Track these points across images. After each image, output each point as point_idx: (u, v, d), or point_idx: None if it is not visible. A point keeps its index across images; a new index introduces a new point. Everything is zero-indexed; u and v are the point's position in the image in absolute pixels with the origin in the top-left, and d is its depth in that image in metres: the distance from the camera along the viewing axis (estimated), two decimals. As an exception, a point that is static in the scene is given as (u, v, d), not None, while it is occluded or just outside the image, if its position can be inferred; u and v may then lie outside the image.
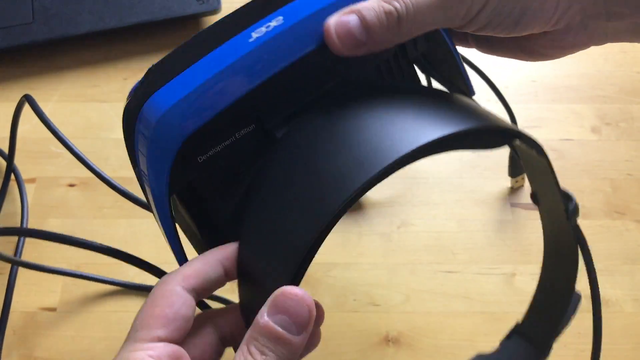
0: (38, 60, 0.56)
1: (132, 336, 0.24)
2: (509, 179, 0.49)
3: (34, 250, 0.46)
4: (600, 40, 0.30)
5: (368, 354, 0.42)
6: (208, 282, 0.26)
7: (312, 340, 0.29)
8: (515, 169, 0.48)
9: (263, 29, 0.26)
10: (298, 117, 0.27)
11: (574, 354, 0.42)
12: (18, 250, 0.45)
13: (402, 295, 0.45)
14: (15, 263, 0.44)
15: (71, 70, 0.55)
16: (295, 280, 0.24)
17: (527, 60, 0.33)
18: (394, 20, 0.25)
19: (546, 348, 0.34)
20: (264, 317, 0.23)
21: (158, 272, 0.34)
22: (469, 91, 0.32)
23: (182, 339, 0.25)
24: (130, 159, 0.28)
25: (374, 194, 0.49)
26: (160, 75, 0.26)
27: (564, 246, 0.34)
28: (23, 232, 0.44)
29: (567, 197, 0.30)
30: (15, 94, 0.54)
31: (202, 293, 0.26)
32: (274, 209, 0.25)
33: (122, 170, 0.50)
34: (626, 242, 0.47)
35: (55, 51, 0.56)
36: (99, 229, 0.47)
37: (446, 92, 0.31)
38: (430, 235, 0.47)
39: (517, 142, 0.27)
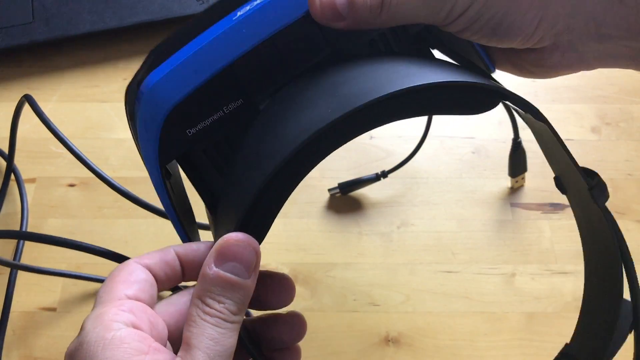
0: (38, 60, 0.56)
1: (99, 301, 0.24)
2: (509, 179, 0.49)
3: (34, 250, 0.46)
4: (590, 64, 0.30)
5: (368, 354, 0.42)
6: (163, 264, 0.26)
7: (287, 294, 0.29)
8: (515, 169, 0.48)
9: (247, 7, 0.27)
10: (281, 89, 0.28)
11: (574, 354, 0.42)
12: (18, 250, 0.45)
13: (402, 295, 0.45)
14: (14, 267, 0.44)
15: (71, 70, 0.55)
16: (246, 230, 0.24)
17: (517, 75, 0.32)
18: (377, 4, 0.26)
19: None
20: (212, 268, 0.23)
21: None
22: (487, 68, 0.31)
23: (149, 304, 0.25)
24: (134, 139, 0.29)
25: (374, 194, 0.49)
26: (158, 56, 0.27)
27: (600, 239, 0.30)
28: (22, 236, 0.44)
29: (589, 173, 0.28)
30: (15, 94, 0.54)
31: (160, 277, 0.26)
32: (239, 171, 0.26)
33: (122, 170, 0.50)
34: (626, 242, 0.47)
35: (55, 51, 0.56)
36: (99, 229, 0.47)
37: (441, 60, 0.30)
38: (430, 235, 0.47)
39: (510, 104, 0.26)
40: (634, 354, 0.29)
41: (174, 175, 0.30)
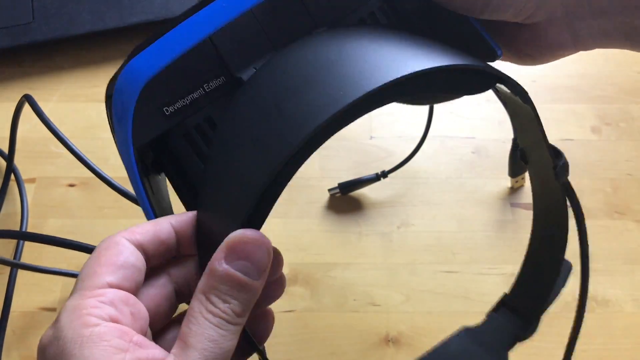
0: (38, 60, 0.56)
1: (79, 287, 0.22)
2: (509, 179, 0.49)
3: (34, 250, 0.46)
4: (587, 43, 0.29)
5: (368, 354, 0.42)
6: (156, 242, 0.24)
7: (278, 290, 0.28)
8: (515, 169, 0.48)
9: None
10: (269, 60, 0.25)
11: (575, 354, 0.42)
12: (18, 250, 0.45)
13: (402, 296, 0.45)
14: (14, 266, 0.44)
15: (71, 70, 0.55)
16: (252, 223, 0.22)
17: (516, 62, 0.32)
18: None
19: (534, 320, 0.33)
20: (222, 264, 0.22)
21: None
22: (492, 52, 0.29)
23: (133, 291, 0.23)
24: (112, 132, 0.27)
25: (374, 194, 0.49)
26: (138, 48, 0.26)
27: (553, 208, 0.32)
28: (22, 236, 0.44)
29: (556, 154, 0.29)
30: (15, 94, 0.54)
31: (152, 254, 0.25)
32: (230, 153, 0.24)
33: (122, 170, 0.49)
34: (626, 242, 0.47)
35: (55, 51, 0.56)
36: (99, 229, 0.47)
37: (433, 40, 0.28)
38: (430, 235, 0.47)
39: (501, 87, 0.26)
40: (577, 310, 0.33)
41: (159, 189, 0.28)
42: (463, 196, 0.49)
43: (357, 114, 0.22)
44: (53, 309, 0.44)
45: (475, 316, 0.44)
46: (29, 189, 0.49)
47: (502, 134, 0.52)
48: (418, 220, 0.48)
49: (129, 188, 0.44)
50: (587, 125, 0.53)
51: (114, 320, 0.22)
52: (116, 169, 0.50)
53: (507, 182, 0.49)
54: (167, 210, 0.29)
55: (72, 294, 0.22)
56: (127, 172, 0.26)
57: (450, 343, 0.35)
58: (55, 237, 0.32)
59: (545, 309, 0.33)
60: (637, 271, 0.46)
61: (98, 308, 0.21)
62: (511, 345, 0.33)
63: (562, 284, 0.32)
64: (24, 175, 0.49)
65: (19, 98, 0.46)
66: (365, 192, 0.49)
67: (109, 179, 0.43)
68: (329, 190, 0.48)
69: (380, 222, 0.48)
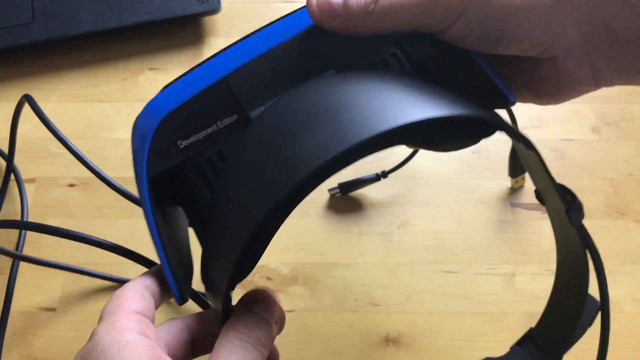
0: (38, 60, 0.56)
1: (107, 315, 0.25)
2: (509, 179, 0.49)
3: (34, 249, 0.46)
4: (607, 77, 0.29)
5: (368, 354, 0.42)
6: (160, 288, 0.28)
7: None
8: (515, 169, 0.48)
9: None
10: (277, 100, 0.27)
11: (574, 354, 0.42)
12: (18, 248, 0.45)
13: (402, 296, 0.45)
14: (17, 257, 0.44)
15: (71, 70, 0.55)
16: (241, 272, 0.25)
17: (535, 102, 0.31)
18: (371, 1, 0.26)
19: (556, 358, 0.33)
20: (240, 307, 0.27)
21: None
22: (504, 99, 0.29)
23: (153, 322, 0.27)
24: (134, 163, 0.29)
25: (374, 194, 0.49)
26: (167, 85, 0.28)
27: (572, 248, 0.32)
28: (23, 225, 0.44)
29: (568, 194, 0.29)
30: (15, 94, 0.54)
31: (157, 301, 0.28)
32: (231, 191, 0.25)
33: (122, 170, 0.50)
34: (626, 242, 0.47)
35: (55, 51, 0.56)
36: (99, 229, 0.47)
37: (431, 80, 0.29)
38: (430, 236, 0.47)
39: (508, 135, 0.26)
40: (599, 347, 0.33)
41: (176, 222, 0.29)
42: (463, 196, 0.49)
43: (345, 163, 0.23)
44: (53, 309, 0.44)
45: (476, 316, 0.44)
46: (28, 189, 0.49)
47: (502, 134, 0.52)
48: (418, 220, 0.48)
49: (129, 188, 0.44)
50: (588, 125, 0.53)
51: (145, 336, 0.24)
52: (116, 169, 0.50)
53: (507, 182, 0.49)
54: (183, 242, 0.30)
55: (101, 321, 0.25)
56: (140, 201, 0.27)
57: None
58: (56, 227, 0.32)
59: (569, 347, 0.32)
60: (637, 271, 0.46)
61: (131, 323, 0.25)
62: None
63: (589, 323, 0.32)
64: (23, 175, 0.49)
65: (19, 98, 0.46)
66: (365, 192, 0.49)
67: (109, 179, 0.43)
68: (329, 190, 0.48)
69: (380, 222, 0.48)
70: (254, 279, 0.45)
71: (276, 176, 0.23)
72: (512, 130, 0.26)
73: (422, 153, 0.50)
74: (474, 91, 0.29)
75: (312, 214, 0.48)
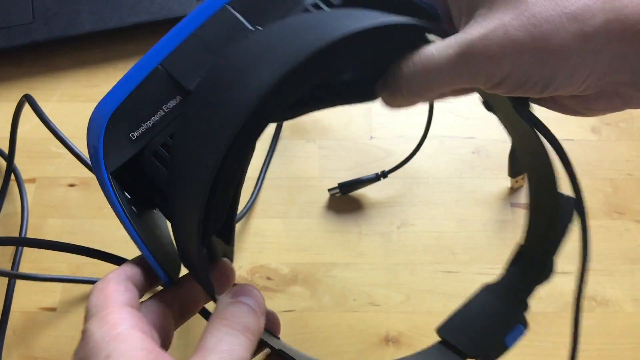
0: (38, 60, 0.56)
1: (95, 311, 0.25)
2: (508, 179, 0.49)
3: (34, 250, 0.46)
4: (636, 105, 0.29)
5: (368, 354, 0.42)
6: (140, 274, 0.28)
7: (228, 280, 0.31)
8: (515, 169, 0.48)
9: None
10: (210, 67, 0.28)
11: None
12: (18, 250, 0.45)
13: (402, 295, 0.45)
14: (12, 276, 0.43)
15: (71, 70, 0.55)
16: (210, 225, 0.26)
17: (562, 113, 0.32)
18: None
19: (549, 263, 0.34)
20: (228, 297, 0.27)
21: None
22: (428, 14, 0.29)
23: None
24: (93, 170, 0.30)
25: (374, 194, 0.49)
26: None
27: (531, 148, 0.33)
28: (20, 242, 0.44)
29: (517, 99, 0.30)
30: (15, 94, 0.54)
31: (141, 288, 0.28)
32: (180, 153, 0.26)
33: (122, 170, 0.50)
34: (626, 242, 0.47)
35: (55, 51, 0.56)
36: (99, 228, 0.47)
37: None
38: (430, 235, 0.47)
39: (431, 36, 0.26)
40: (581, 246, 0.32)
41: (156, 225, 0.30)
42: (463, 196, 0.49)
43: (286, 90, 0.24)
44: (53, 309, 0.44)
45: (475, 316, 0.44)
46: (29, 189, 0.49)
47: (502, 134, 0.51)
48: (418, 220, 0.48)
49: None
50: (587, 125, 0.53)
51: (136, 329, 0.24)
52: (116, 169, 0.50)
53: (507, 182, 0.49)
54: (164, 238, 0.30)
55: (89, 319, 0.25)
56: (108, 201, 0.28)
57: (472, 301, 0.36)
58: (52, 241, 0.32)
59: (558, 249, 0.33)
60: (636, 271, 0.46)
61: (122, 317, 0.25)
62: (530, 292, 0.34)
63: (568, 220, 0.32)
64: (24, 175, 0.49)
65: (19, 98, 0.46)
66: (365, 192, 0.49)
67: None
68: (329, 190, 0.48)
69: (380, 222, 0.48)
70: (254, 279, 0.45)
71: (224, 113, 0.24)
72: (430, 26, 0.27)
73: (422, 153, 0.50)
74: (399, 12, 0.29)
75: (312, 214, 0.48)
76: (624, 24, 0.24)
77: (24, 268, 0.45)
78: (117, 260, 0.33)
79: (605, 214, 0.48)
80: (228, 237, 0.31)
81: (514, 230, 0.47)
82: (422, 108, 0.50)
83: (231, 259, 0.32)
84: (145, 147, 0.28)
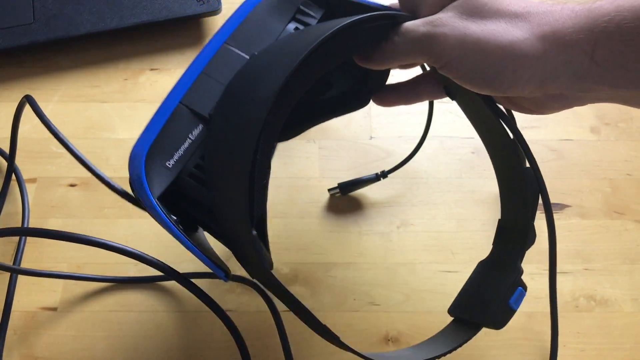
0: (39, 60, 0.56)
1: None
2: (508, 179, 0.49)
3: (34, 249, 0.46)
4: (585, 102, 0.33)
5: (368, 354, 0.42)
6: None
7: None
8: None
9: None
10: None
11: (574, 353, 0.43)
12: (19, 250, 0.45)
13: (402, 295, 0.45)
14: (14, 271, 0.44)
15: (72, 70, 0.56)
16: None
17: (519, 112, 0.35)
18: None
19: (530, 228, 0.38)
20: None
21: (158, 267, 0.35)
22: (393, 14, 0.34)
23: None
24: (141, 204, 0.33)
25: (374, 194, 0.49)
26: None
27: (487, 124, 0.38)
28: (25, 232, 0.44)
29: None
30: (15, 94, 0.54)
31: None
32: (215, 160, 0.32)
33: (122, 170, 0.50)
34: (625, 242, 0.47)
35: (56, 51, 0.56)
36: (100, 228, 0.47)
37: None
38: (430, 235, 0.47)
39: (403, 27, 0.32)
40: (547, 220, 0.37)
41: (200, 243, 0.33)
42: (463, 196, 0.49)
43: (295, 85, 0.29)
44: (54, 309, 0.44)
45: (475, 316, 0.44)
46: (29, 189, 0.49)
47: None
48: (418, 220, 0.48)
49: (129, 188, 0.44)
50: (587, 125, 0.53)
51: None
52: (117, 169, 0.50)
53: (506, 182, 0.49)
54: (215, 255, 0.34)
55: None
56: (160, 223, 0.31)
57: (472, 279, 0.40)
58: (56, 230, 0.32)
59: (534, 215, 0.38)
60: (636, 271, 0.46)
61: None
62: (521, 257, 0.38)
63: (535, 188, 0.37)
64: (24, 175, 0.49)
65: (20, 98, 0.46)
66: (365, 192, 0.49)
67: (107, 179, 0.42)
68: (329, 190, 0.48)
69: (380, 222, 0.48)
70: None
71: (248, 112, 0.29)
72: (386, 14, 0.32)
73: (422, 153, 0.50)
74: None
75: (312, 214, 0.48)
76: (556, 34, 0.28)
77: (25, 266, 0.45)
78: (121, 252, 0.33)
79: (605, 213, 0.48)
80: (265, 243, 0.34)
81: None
82: (422, 108, 0.51)
83: (271, 266, 0.35)
84: (181, 171, 0.32)
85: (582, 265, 0.46)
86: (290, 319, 0.44)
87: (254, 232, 0.29)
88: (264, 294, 0.43)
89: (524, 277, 0.45)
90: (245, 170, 0.28)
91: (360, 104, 0.42)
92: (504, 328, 0.43)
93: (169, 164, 0.32)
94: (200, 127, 0.33)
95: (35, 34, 0.54)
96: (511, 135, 0.37)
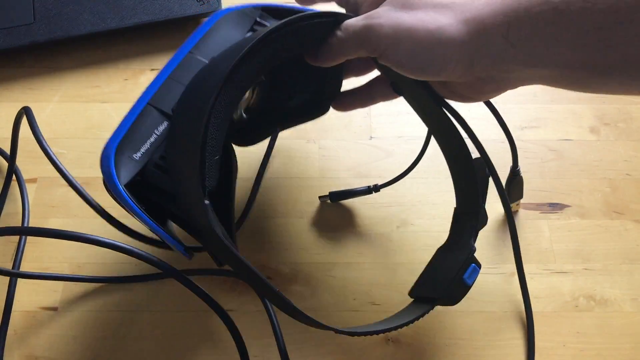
0: (39, 60, 0.56)
1: None
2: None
3: (35, 249, 0.46)
4: (515, 85, 0.35)
5: (368, 353, 0.42)
6: None
7: None
8: (511, 196, 0.47)
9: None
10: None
11: (573, 353, 0.43)
12: (19, 250, 0.45)
13: (402, 295, 0.45)
14: (13, 275, 0.44)
15: (72, 70, 0.56)
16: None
17: (458, 101, 0.39)
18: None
19: (483, 212, 0.41)
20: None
21: (158, 264, 0.35)
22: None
23: None
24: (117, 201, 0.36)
25: (374, 194, 0.49)
26: None
27: (434, 117, 0.42)
28: (24, 232, 0.44)
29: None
30: (16, 94, 0.54)
31: None
32: (173, 146, 0.36)
33: (122, 170, 0.50)
34: (625, 241, 0.47)
35: (56, 52, 0.56)
36: (100, 228, 0.47)
37: None
38: (429, 235, 0.47)
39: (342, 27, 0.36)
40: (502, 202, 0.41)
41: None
42: (462, 196, 0.49)
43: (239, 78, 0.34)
44: (54, 309, 0.44)
45: (475, 315, 0.44)
46: (30, 189, 0.49)
47: (502, 134, 0.52)
48: (418, 220, 0.48)
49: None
50: (586, 125, 0.53)
51: None
52: (117, 169, 0.50)
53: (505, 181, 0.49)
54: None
55: None
56: (125, 207, 0.35)
57: (430, 263, 0.42)
58: (56, 229, 0.33)
59: (484, 198, 0.41)
60: (635, 271, 0.46)
61: None
62: (474, 235, 0.40)
63: (484, 174, 0.41)
64: (25, 176, 0.49)
65: (20, 98, 0.46)
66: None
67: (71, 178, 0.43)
68: (320, 197, 0.48)
69: (380, 222, 0.48)
70: (255, 279, 0.45)
71: (200, 99, 0.34)
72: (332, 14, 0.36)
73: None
74: None
75: (312, 214, 0.48)
76: (476, 19, 0.32)
77: (25, 267, 0.45)
78: (121, 250, 0.34)
79: (604, 213, 0.48)
80: (229, 222, 0.38)
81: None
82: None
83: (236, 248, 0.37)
84: (147, 162, 0.36)
85: (582, 265, 0.46)
86: (289, 318, 0.44)
87: (207, 202, 0.32)
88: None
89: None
90: (196, 145, 0.32)
91: (321, 110, 0.46)
92: (503, 327, 0.43)
93: (136, 157, 0.35)
94: (166, 123, 0.37)
95: (36, 34, 0.54)
96: (460, 128, 0.40)
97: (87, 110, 0.53)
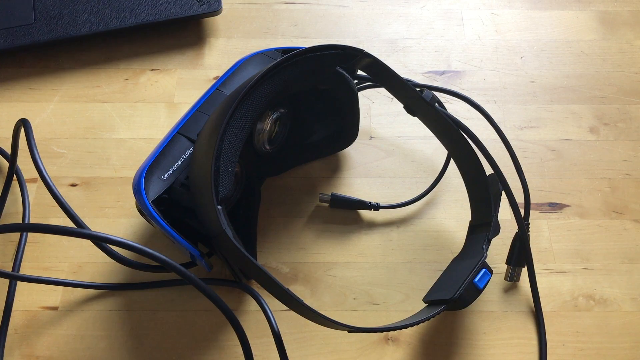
0: (40, 60, 0.56)
1: None
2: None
3: (35, 249, 0.46)
4: None
5: (367, 352, 0.42)
6: None
7: None
8: (514, 266, 0.45)
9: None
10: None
11: (573, 352, 0.43)
12: (20, 249, 0.46)
13: (402, 294, 0.45)
14: (13, 278, 0.44)
15: (73, 70, 0.56)
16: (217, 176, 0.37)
17: None
18: None
19: (496, 222, 0.43)
20: None
21: (160, 260, 0.35)
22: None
23: None
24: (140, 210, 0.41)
25: (374, 194, 0.49)
26: None
27: (446, 131, 0.44)
28: (24, 228, 0.44)
29: (421, 91, 0.43)
30: (17, 94, 0.54)
31: None
32: (193, 170, 0.40)
33: (123, 170, 0.50)
34: (624, 241, 0.47)
35: (57, 52, 0.57)
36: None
37: None
38: (429, 235, 0.47)
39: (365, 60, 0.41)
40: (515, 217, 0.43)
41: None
42: (462, 196, 0.49)
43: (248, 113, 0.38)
44: (55, 308, 0.44)
45: (474, 315, 0.44)
46: (30, 188, 0.49)
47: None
48: (417, 220, 0.48)
49: (129, 188, 0.44)
50: (586, 125, 0.53)
51: None
52: (117, 169, 0.50)
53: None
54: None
55: None
56: (151, 220, 0.39)
57: (445, 272, 0.44)
58: (57, 225, 0.33)
59: (497, 210, 0.43)
60: (635, 270, 0.46)
61: None
62: (487, 242, 0.42)
63: (496, 189, 0.44)
64: (25, 175, 0.49)
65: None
66: (366, 192, 0.49)
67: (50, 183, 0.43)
68: (320, 194, 0.48)
69: (380, 221, 0.48)
70: (255, 278, 0.45)
71: (217, 124, 0.37)
72: (351, 48, 0.41)
73: (422, 152, 0.50)
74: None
75: (312, 214, 0.48)
76: None
77: (25, 267, 0.45)
78: (122, 245, 0.34)
79: (604, 213, 0.48)
80: (250, 233, 0.45)
81: (513, 229, 0.47)
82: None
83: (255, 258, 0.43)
84: (174, 182, 0.40)
85: (581, 265, 0.46)
86: (288, 318, 0.44)
87: (219, 207, 0.35)
88: (254, 293, 0.44)
89: (522, 276, 0.46)
90: (212, 156, 0.36)
91: (340, 145, 0.50)
92: (503, 327, 0.44)
93: (164, 177, 0.40)
94: (192, 148, 0.41)
95: (36, 35, 0.54)
96: (473, 146, 0.43)
97: (87, 110, 0.53)
